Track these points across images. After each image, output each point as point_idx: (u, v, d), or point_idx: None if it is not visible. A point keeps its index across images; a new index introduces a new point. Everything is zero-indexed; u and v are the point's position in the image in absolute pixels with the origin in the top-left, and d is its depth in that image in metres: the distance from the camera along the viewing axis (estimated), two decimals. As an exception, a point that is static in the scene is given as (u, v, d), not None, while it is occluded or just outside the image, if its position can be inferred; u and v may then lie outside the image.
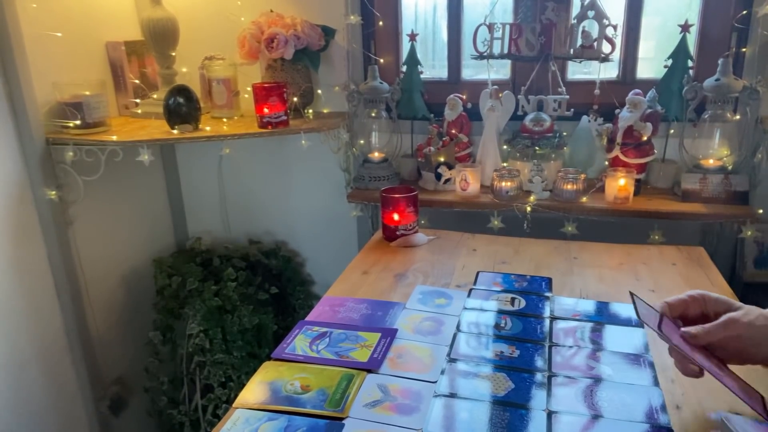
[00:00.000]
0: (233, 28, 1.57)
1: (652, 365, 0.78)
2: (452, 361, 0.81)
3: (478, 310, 0.95)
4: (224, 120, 1.56)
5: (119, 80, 1.61)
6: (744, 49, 1.38)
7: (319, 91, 1.67)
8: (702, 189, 1.39)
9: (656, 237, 1.43)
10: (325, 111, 1.69)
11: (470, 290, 1.03)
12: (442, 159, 1.51)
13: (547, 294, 1.00)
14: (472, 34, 1.44)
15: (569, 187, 1.40)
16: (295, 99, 1.56)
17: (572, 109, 1.45)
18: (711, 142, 1.40)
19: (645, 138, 1.40)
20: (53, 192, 1.41)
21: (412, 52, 1.56)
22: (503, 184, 1.44)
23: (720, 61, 1.34)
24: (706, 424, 0.67)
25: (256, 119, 1.45)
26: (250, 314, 1.63)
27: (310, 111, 1.62)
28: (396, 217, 1.26)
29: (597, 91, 1.43)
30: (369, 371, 0.79)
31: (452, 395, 0.73)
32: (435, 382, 0.76)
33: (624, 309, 0.94)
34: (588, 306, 0.96)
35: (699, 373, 0.65)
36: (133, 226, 1.76)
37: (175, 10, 1.54)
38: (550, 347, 0.83)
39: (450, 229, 1.34)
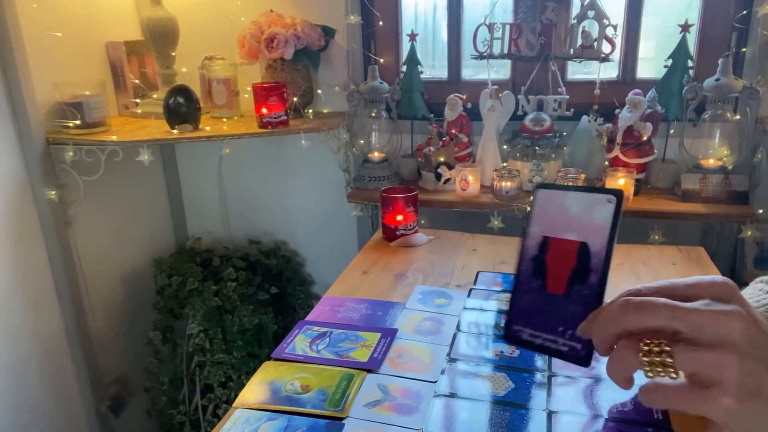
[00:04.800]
0: (233, 28, 1.57)
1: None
2: (452, 361, 0.81)
3: (478, 310, 0.95)
4: (224, 120, 1.56)
5: (119, 80, 1.61)
6: (744, 49, 1.38)
7: (319, 91, 1.67)
8: (702, 189, 1.39)
9: (656, 237, 1.43)
10: (325, 111, 1.69)
11: (470, 290, 1.03)
12: (442, 159, 1.51)
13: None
14: (472, 34, 1.44)
15: (569, 187, 1.40)
16: (295, 99, 1.56)
17: (572, 109, 1.45)
18: (711, 142, 1.40)
19: (645, 138, 1.41)
20: (53, 192, 1.41)
21: (412, 52, 1.56)
22: (503, 184, 1.44)
23: (720, 61, 1.34)
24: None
25: (256, 119, 1.45)
26: (250, 314, 1.63)
27: (310, 111, 1.63)
28: (399, 218, 1.26)
29: (597, 91, 1.43)
30: (369, 371, 0.79)
31: (452, 395, 0.73)
32: (435, 382, 0.76)
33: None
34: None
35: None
36: (133, 226, 1.76)
37: (175, 10, 1.54)
38: (550, 347, 0.83)
39: (450, 229, 1.34)
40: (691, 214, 1.35)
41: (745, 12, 1.35)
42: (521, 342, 0.49)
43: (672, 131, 1.47)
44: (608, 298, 0.46)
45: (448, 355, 0.82)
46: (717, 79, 1.35)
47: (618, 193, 0.45)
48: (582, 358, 0.47)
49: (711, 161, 1.41)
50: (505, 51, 1.44)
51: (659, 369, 0.40)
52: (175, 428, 1.68)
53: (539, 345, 0.49)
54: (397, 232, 1.26)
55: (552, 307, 0.48)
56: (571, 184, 1.40)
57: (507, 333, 0.50)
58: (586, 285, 0.47)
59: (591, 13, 1.36)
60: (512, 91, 1.53)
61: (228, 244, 1.92)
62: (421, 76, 1.59)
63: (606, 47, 1.37)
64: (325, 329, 0.90)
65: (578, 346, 0.47)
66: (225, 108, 1.59)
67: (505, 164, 1.53)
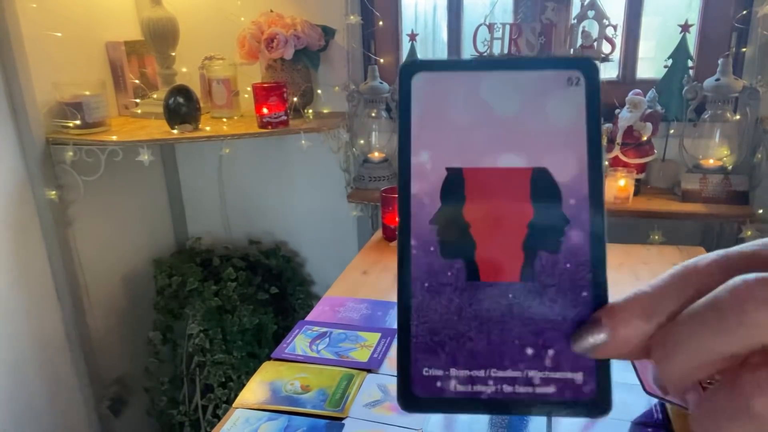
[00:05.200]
0: (233, 28, 1.57)
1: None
2: (452, 361, 0.81)
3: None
4: (224, 120, 1.56)
5: (119, 80, 1.61)
6: (744, 49, 1.38)
7: (319, 91, 1.66)
8: (702, 189, 1.39)
9: (656, 237, 1.42)
10: (325, 111, 1.69)
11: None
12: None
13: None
14: (472, 34, 1.44)
15: (569, 187, 1.40)
16: (295, 99, 1.56)
17: (572, 109, 1.44)
18: (711, 142, 1.40)
19: (645, 138, 1.40)
20: (53, 192, 1.41)
21: (412, 52, 1.56)
22: (503, 184, 1.44)
23: (720, 61, 1.34)
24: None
25: (256, 119, 1.45)
26: (250, 314, 1.63)
27: (310, 111, 1.62)
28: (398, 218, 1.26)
29: (597, 91, 1.43)
30: (369, 371, 0.79)
31: (452, 395, 0.73)
32: (435, 382, 0.76)
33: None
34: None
35: None
36: (133, 226, 1.76)
37: (175, 10, 1.54)
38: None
39: (450, 229, 1.34)
40: (691, 214, 1.35)
41: (745, 12, 1.35)
42: (446, 403, 0.24)
43: (672, 131, 1.47)
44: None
45: (448, 355, 0.82)
46: (717, 79, 1.34)
47: (586, 64, 0.25)
48: (591, 400, 0.24)
49: (711, 161, 1.41)
50: (505, 51, 1.44)
51: None
52: (175, 428, 1.68)
53: (491, 398, 0.24)
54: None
55: (499, 313, 0.24)
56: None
57: (406, 390, 0.25)
58: (565, 252, 0.24)
59: (591, 13, 1.36)
60: (512, 91, 1.53)
61: (228, 244, 1.92)
62: (421, 76, 1.59)
63: (606, 47, 1.37)
64: (325, 329, 0.90)
65: (577, 377, 0.24)
66: (225, 108, 1.59)
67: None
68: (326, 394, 0.74)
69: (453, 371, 0.24)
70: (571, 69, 0.25)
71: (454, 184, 0.25)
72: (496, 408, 0.24)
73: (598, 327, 0.23)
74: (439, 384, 0.24)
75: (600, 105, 0.25)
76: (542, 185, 0.24)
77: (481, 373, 0.24)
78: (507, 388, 0.24)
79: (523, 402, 0.24)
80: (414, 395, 0.24)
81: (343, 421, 0.69)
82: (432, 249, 0.25)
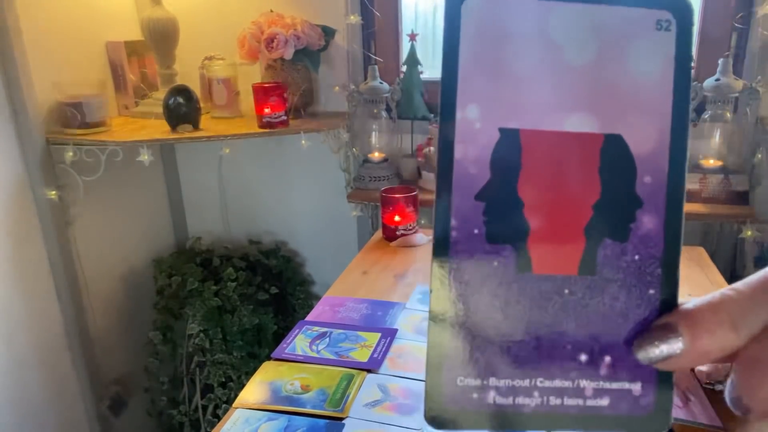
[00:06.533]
0: (233, 28, 1.57)
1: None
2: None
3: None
4: (224, 120, 1.56)
5: (119, 80, 1.61)
6: (744, 49, 1.38)
7: (319, 91, 1.67)
8: (702, 189, 1.39)
9: (656, 237, 1.42)
10: (325, 111, 1.69)
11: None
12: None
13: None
14: None
15: (569, 187, 1.40)
16: (295, 99, 1.56)
17: (572, 109, 1.44)
18: (711, 142, 1.40)
19: (645, 138, 1.40)
20: (53, 192, 1.41)
21: (412, 52, 1.56)
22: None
23: (720, 61, 1.34)
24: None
25: (257, 119, 1.45)
26: (250, 314, 1.63)
27: (310, 111, 1.62)
28: (397, 218, 1.26)
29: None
30: (369, 371, 0.79)
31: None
32: (435, 382, 0.76)
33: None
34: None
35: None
36: (133, 226, 1.76)
37: (175, 10, 1.54)
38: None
39: (450, 229, 1.33)
40: (691, 214, 1.35)
41: (745, 12, 1.35)
42: (482, 418, 0.21)
43: (672, 131, 1.47)
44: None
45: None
46: (717, 79, 1.34)
47: (680, 4, 0.20)
48: (649, 414, 0.21)
49: (711, 161, 1.41)
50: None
51: None
52: (175, 428, 1.68)
53: (534, 411, 0.21)
54: (397, 232, 1.26)
55: (552, 312, 0.20)
56: None
57: (434, 403, 0.20)
58: (634, 241, 0.21)
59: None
60: (512, 91, 1.53)
61: (228, 244, 1.92)
62: (421, 76, 1.59)
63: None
64: (325, 329, 0.90)
65: (635, 388, 0.21)
66: (225, 108, 1.59)
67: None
68: (326, 394, 0.74)
69: (492, 381, 0.21)
70: (661, 8, 0.20)
71: (509, 150, 0.20)
72: (540, 423, 0.21)
73: (674, 334, 0.19)
74: (475, 396, 0.21)
75: (691, 59, 0.20)
76: (614, 157, 0.20)
77: (526, 382, 0.21)
78: (554, 401, 0.21)
79: (572, 417, 0.21)
80: (444, 409, 0.20)
81: (343, 421, 0.69)
82: (476, 232, 0.20)
